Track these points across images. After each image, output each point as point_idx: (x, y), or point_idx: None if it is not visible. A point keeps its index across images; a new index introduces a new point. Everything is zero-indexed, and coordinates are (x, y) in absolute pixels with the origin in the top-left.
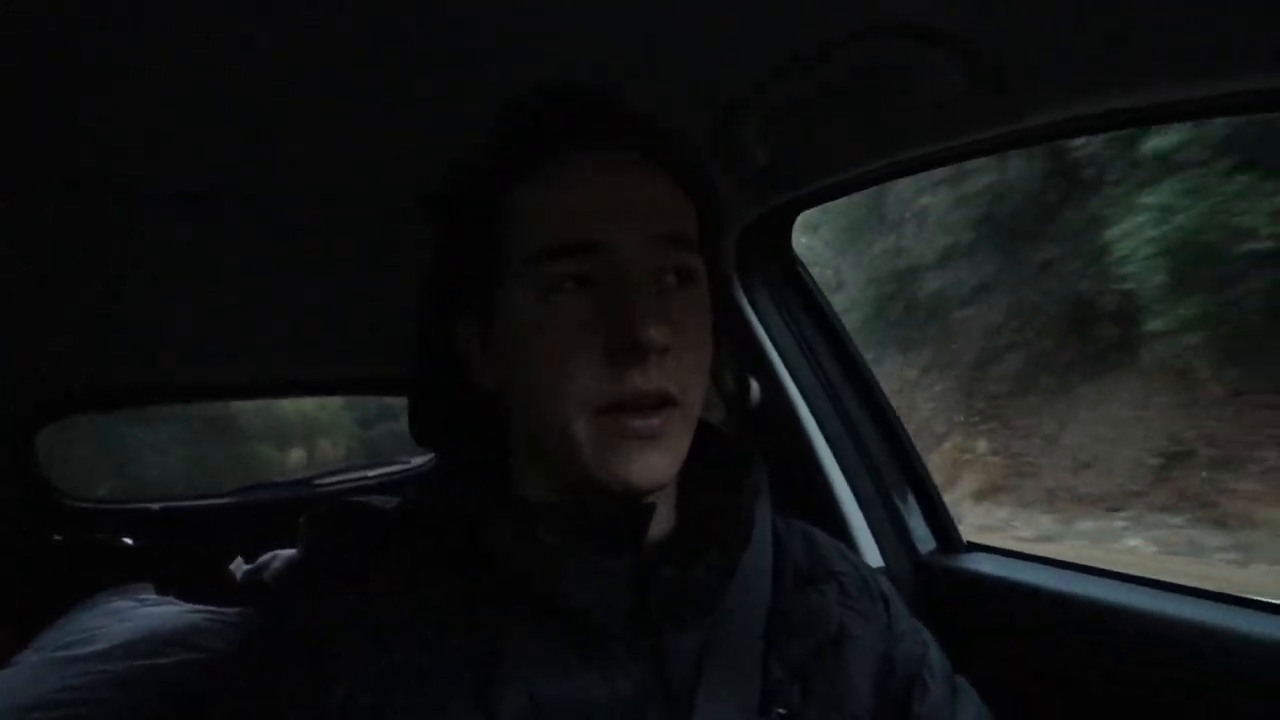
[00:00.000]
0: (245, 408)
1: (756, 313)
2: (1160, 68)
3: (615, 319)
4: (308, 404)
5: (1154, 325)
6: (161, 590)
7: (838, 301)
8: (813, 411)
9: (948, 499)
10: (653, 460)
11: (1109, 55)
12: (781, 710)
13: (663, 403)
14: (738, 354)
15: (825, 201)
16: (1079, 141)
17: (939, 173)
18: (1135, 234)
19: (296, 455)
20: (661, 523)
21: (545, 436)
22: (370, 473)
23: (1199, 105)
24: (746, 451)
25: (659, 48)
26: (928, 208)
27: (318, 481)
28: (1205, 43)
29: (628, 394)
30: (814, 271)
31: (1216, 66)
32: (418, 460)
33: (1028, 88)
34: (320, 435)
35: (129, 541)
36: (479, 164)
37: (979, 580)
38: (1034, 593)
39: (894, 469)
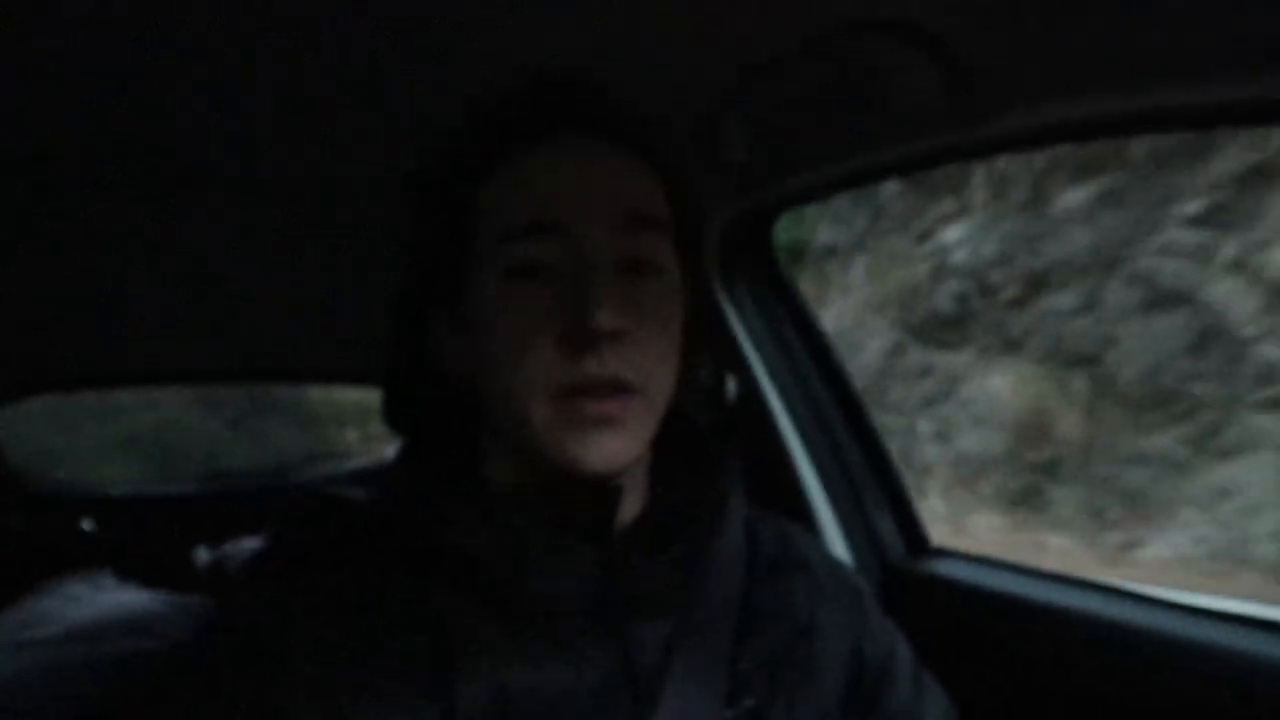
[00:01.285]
0: (313, 395)
1: (736, 310)
2: (1142, 73)
3: (568, 304)
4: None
5: None
6: (122, 576)
7: None
8: (788, 411)
9: None
10: (608, 444)
11: (1091, 60)
12: (750, 702)
13: (619, 389)
14: (715, 350)
15: (808, 201)
16: None
17: None
18: None
19: (352, 434)
20: (631, 511)
21: (506, 420)
22: (349, 464)
23: (1182, 113)
24: (720, 443)
25: (640, 42)
26: None
27: (291, 472)
28: (1189, 47)
29: (582, 379)
30: None
31: (1203, 72)
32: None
33: (1008, 92)
34: (369, 417)
35: (87, 527)
36: (453, 152)
37: (947, 584)
38: (1002, 598)
39: (866, 471)
